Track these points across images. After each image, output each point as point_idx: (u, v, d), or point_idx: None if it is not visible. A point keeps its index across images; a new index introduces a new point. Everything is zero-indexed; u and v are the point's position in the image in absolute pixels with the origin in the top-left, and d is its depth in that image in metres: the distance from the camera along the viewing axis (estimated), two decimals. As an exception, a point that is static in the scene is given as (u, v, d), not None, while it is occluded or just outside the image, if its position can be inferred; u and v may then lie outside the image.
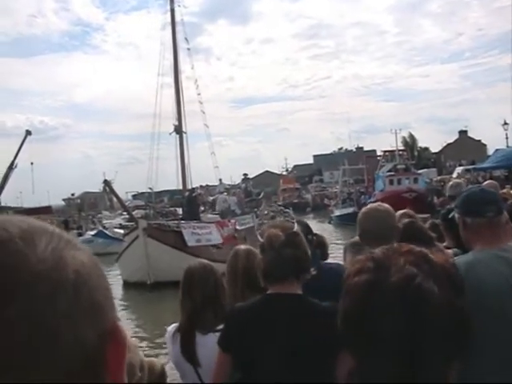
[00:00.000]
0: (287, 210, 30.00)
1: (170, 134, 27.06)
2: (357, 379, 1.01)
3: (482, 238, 2.45)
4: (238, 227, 24.54)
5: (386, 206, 3.09)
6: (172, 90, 27.75)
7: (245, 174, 42.04)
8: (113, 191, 21.93)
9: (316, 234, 4.06)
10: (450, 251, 3.90)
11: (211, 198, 30.23)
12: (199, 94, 28.97)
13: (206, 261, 3.25)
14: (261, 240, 2.54)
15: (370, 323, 0.89)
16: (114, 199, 26.41)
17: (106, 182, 21.43)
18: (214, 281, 3.03)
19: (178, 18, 28.50)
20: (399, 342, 0.87)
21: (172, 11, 28.08)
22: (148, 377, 2.04)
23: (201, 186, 30.89)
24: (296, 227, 2.80)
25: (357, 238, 3.83)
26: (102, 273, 0.60)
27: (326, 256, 4.25)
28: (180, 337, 3.00)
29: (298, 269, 2.45)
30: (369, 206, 3.15)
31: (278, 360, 2.33)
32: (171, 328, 3.12)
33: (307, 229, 3.56)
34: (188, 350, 2.93)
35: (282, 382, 2.31)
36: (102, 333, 0.55)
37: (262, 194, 39.28)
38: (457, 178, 37.19)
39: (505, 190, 7.47)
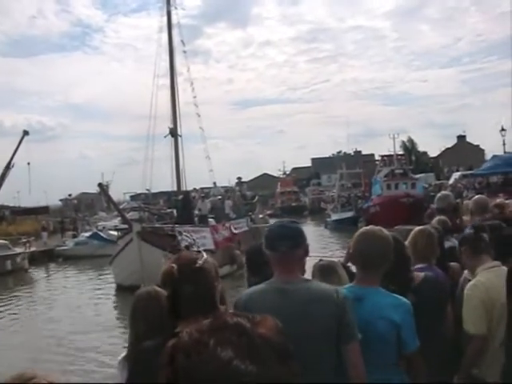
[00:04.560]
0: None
1: (165, 136, 27.06)
2: None
3: (276, 271, 2.67)
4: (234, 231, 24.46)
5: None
6: (169, 92, 27.83)
7: (239, 178, 41.51)
8: (106, 194, 21.89)
9: None
10: None
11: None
12: (195, 97, 29.03)
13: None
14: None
15: None
16: (110, 201, 26.28)
17: (101, 185, 21.34)
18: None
19: (174, 21, 28.61)
20: None
21: (168, 13, 28.11)
22: None
23: (195, 189, 30.65)
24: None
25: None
26: None
27: None
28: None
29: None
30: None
31: None
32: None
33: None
34: None
35: None
36: None
37: (256, 198, 38.80)
38: (453, 183, 37.15)
39: (498, 201, 7.37)
